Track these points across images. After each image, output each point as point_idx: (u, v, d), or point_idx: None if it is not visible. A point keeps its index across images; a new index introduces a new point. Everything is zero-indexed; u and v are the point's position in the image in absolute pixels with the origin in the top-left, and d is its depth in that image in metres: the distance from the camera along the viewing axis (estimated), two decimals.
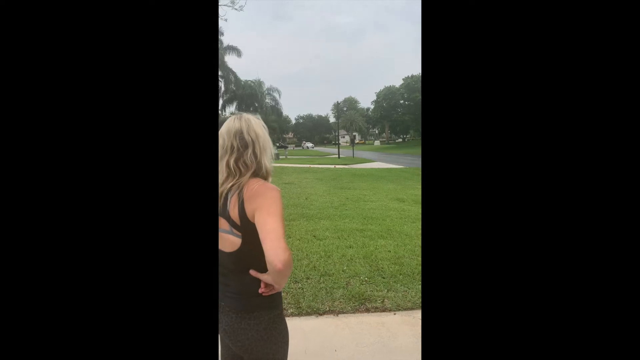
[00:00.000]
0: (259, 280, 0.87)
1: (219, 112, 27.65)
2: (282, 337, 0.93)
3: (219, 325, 0.92)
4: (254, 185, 0.86)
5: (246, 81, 31.50)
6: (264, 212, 0.81)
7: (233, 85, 27.61)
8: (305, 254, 3.06)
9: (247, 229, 0.85)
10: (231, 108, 32.79)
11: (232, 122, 0.93)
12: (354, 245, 3.29)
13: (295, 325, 2.06)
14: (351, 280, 2.57)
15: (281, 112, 37.65)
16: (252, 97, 32.42)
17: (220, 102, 28.49)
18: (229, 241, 0.88)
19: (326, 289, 2.42)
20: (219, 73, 26.26)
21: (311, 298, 2.30)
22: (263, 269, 0.85)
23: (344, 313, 2.18)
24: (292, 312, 2.17)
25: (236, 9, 8.30)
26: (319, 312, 2.18)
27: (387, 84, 50.12)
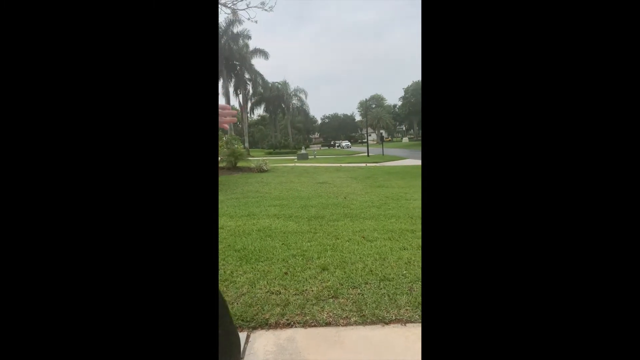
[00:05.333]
0: None
1: (248, 114, 28.15)
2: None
3: None
4: None
5: (273, 83, 31.88)
6: None
7: (261, 87, 27.99)
8: (358, 256, 2.89)
9: None
10: (259, 110, 33.38)
11: None
12: (408, 247, 3.08)
13: (362, 336, 1.90)
14: (414, 285, 2.37)
15: (307, 113, 37.73)
16: (279, 99, 32.75)
17: (249, 104, 29.01)
18: None
19: (388, 295, 2.24)
20: (247, 76, 26.68)
21: (374, 305, 2.13)
22: None
23: (412, 322, 1.99)
24: (355, 321, 2.01)
25: (266, 10, 8.28)
26: (384, 321, 2.00)
27: (415, 79, 48.85)
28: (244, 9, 10.16)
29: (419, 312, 2.05)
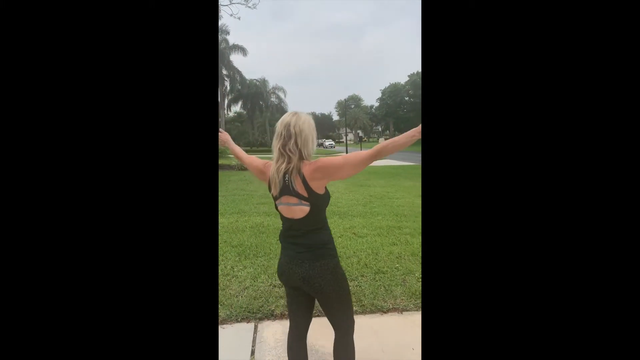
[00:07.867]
0: (323, 237, 1.16)
1: (225, 110, 27.69)
2: (344, 278, 1.21)
3: (296, 275, 1.16)
4: (308, 167, 1.11)
5: (251, 80, 31.47)
6: (328, 169, 1.10)
7: (239, 84, 27.61)
8: (352, 251, 3.03)
9: (313, 198, 1.12)
10: (236, 107, 32.85)
11: (287, 115, 1.18)
12: (397, 243, 3.27)
13: (363, 324, 2.03)
14: (407, 277, 2.54)
15: (286, 111, 37.56)
16: (257, 96, 32.38)
17: (226, 101, 28.49)
18: (298, 210, 1.13)
19: (384, 287, 2.40)
20: (225, 72, 26.20)
21: (372, 296, 2.27)
22: (325, 225, 1.18)
23: (407, 310, 2.15)
24: (356, 310, 2.14)
25: (249, 7, 8.24)
26: (382, 310, 2.15)
27: (392, 81, 49.66)
28: (227, 5, 10.01)
29: (414, 302, 2.22)
